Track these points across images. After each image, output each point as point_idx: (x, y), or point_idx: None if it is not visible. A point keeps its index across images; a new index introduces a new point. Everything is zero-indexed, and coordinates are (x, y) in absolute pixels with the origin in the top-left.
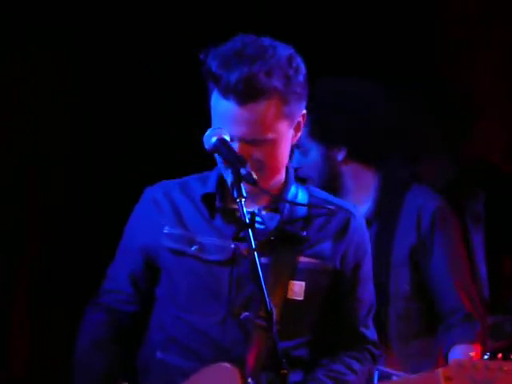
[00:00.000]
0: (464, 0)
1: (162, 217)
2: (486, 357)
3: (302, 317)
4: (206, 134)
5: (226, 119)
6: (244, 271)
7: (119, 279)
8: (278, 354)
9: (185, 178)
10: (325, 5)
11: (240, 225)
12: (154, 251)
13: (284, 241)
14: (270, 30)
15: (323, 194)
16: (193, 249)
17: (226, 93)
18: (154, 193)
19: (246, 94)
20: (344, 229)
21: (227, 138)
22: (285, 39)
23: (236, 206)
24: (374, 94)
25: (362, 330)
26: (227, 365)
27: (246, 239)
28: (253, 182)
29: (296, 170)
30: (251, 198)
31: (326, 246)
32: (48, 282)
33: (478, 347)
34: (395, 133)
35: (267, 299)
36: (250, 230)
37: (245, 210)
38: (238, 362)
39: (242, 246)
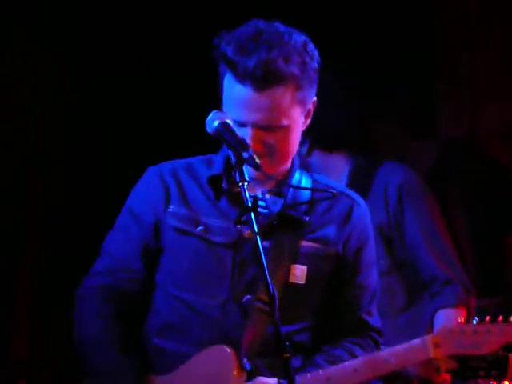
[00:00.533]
0: (464, 0)
1: (168, 194)
2: (474, 321)
3: (303, 301)
4: (209, 117)
5: (240, 104)
6: (247, 254)
7: (127, 256)
8: (280, 337)
9: (188, 160)
10: (326, 5)
11: (243, 208)
12: (160, 228)
13: (287, 225)
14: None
15: (326, 180)
16: (198, 229)
17: (242, 78)
18: (162, 170)
19: (264, 79)
20: (347, 215)
21: (229, 121)
22: None
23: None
24: (330, 81)
25: (365, 316)
26: (223, 346)
27: (249, 223)
28: (255, 166)
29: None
30: (256, 181)
31: (329, 231)
32: (48, 281)
33: (463, 310)
34: (354, 121)
35: (270, 283)
36: (252, 214)
37: (247, 193)
38: (236, 344)
39: (246, 230)
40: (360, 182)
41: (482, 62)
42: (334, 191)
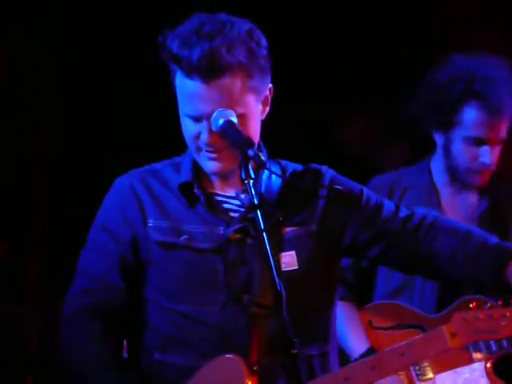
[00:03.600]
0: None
1: (143, 208)
2: (487, 306)
3: (302, 287)
4: (213, 116)
5: (192, 99)
6: (235, 255)
7: (105, 274)
8: (288, 334)
9: (154, 166)
10: (327, 5)
11: (249, 206)
12: (142, 244)
13: (266, 220)
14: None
15: (290, 164)
16: (182, 239)
17: (189, 72)
18: (131, 182)
19: (210, 70)
20: (316, 188)
21: (234, 119)
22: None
23: (215, 191)
24: None
25: (408, 221)
26: (230, 356)
27: (255, 220)
28: (261, 164)
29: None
30: (225, 182)
31: (305, 211)
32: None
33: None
34: None
35: (277, 280)
36: (258, 212)
37: (253, 191)
38: (242, 349)
39: (229, 231)
40: None
41: None
42: (299, 170)
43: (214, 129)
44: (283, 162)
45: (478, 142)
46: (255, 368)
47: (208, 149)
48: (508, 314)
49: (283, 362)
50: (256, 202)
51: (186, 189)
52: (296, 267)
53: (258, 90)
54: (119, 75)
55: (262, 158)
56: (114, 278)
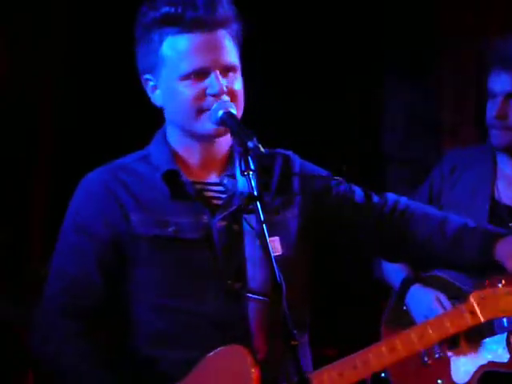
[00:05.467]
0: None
1: (122, 204)
2: (499, 284)
3: (284, 272)
4: (213, 107)
5: (197, 51)
6: (223, 244)
7: (83, 274)
8: (287, 325)
9: (120, 161)
10: (328, 5)
11: (248, 197)
12: (125, 240)
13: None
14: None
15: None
16: (170, 230)
17: (191, 25)
18: (103, 179)
19: (213, 18)
20: (288, 172)
21: (234, 111)
22: None
23: (194, 180)
24: None
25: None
26: (233, 346)
27: (255, 211)
28: (261, 155)
29: None
30: (205, 169)
31: (284, 196)
32: None
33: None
34: None
35: (277, 271)
36: (258, 203)
37: (253, 182)
38: (239, 339)
39: (216, 220)
40: None
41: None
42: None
43: (213, 120)
44: None
45: (492, 95)
46: (259, 356)
47: (225, 97)
48: None
49: (282, 352)
50: (256, 193)
51: (168, 178)
52: (280, 252)
53: (238, 50)
54: (115, 68)
55: (262, 150)
56: (92, 277)
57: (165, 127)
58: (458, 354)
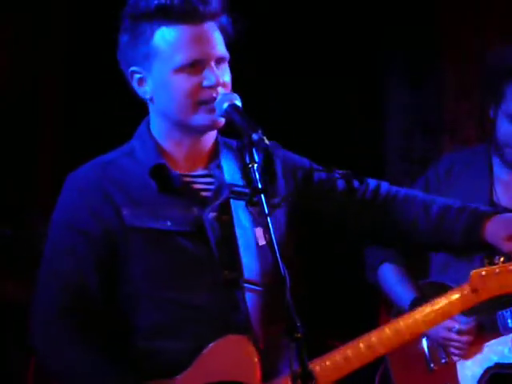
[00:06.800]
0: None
1: (113, 199)
2: (498, 261)
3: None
4: (218, 99)
5: (191, 42)
6: (217, 235)
7: (80, 271)
8: (292, 318)
9: (106, 157)
10: (328, 6)
11: (252, 190)
12: (118, 236)
13: (241, 196)
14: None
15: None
16: (162, 223)
17: (183, 17)
18: (91, 175)
19: (206, 9)
20: (270, 162)
21: (238, 103)
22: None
23: (182, 173)
24: None
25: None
26: (235, 336)
27: (259, 204)
28: (265, 147)
29: None
30: (191, 161)
31: (271, 184)
32: None
33: None
34: None
35: (281, 264)
36: (262, 196)
37: (257, 175)
38: (238, 329)
39: (205, 212)
40: None
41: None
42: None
43: (218, 112)
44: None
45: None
46: (261, 346)
47: (221, 89)
48: None
49: (283, 342)
50: (260, 186)
51: (155, 172)
52: (264, 242)
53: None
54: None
55: (267, 142)
56: (88, 274)
57: (147, 121)
58: (463, 358)
